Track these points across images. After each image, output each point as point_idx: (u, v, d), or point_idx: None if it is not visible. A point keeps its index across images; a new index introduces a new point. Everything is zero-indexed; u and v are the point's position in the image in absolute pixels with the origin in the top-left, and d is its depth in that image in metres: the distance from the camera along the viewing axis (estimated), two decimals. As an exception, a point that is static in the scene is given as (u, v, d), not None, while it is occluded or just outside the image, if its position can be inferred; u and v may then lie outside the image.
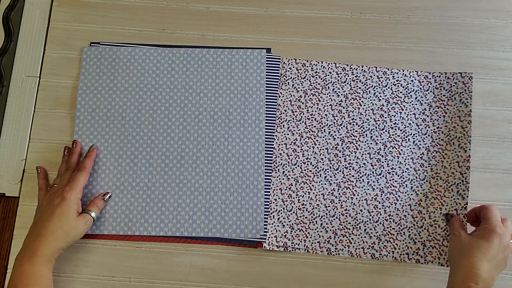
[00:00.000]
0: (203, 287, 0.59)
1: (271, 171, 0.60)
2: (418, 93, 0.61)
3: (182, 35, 0.66)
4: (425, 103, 0.61)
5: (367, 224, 0.58)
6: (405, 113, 0.60)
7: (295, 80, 0.62)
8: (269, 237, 0.58)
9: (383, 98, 0.61)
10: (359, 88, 0.61)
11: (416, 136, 0.60)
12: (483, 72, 0.65)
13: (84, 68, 0.64)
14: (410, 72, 0.62)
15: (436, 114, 0.60)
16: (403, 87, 0.61)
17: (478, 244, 0.49)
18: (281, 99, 0.61)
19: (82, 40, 0.66)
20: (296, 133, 0.60)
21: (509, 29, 0.67)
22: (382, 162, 0.60)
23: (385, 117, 0.60)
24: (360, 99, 0.61)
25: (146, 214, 0.59)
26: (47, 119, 0.64)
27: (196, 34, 0.66)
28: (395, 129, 0.60)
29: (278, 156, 0.60)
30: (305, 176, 0.59)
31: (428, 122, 0.60)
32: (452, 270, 0.51)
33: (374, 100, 0.61)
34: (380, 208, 0.58)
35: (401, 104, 0.61)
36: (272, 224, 0.58)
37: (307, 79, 0.61)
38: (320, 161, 0.60)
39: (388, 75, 0.62)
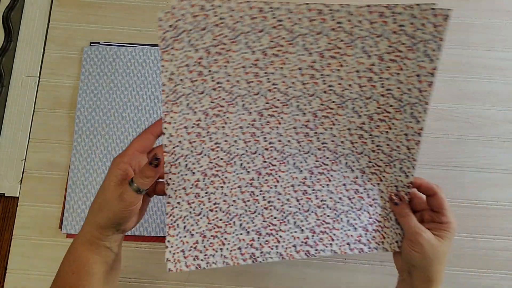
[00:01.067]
0: (203, 287, 0.59)
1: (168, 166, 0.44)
2: (367, 40, 0.42)
3: (182, 35, 0.66)
4: (374, 55, 0.43)
5: (297, 215, 0.46)
6: (344, 70, 0.44)
7: (192, 34, 0.41)
8: (174, 254, 0.43)
9: (315, 52, 0.43)
10: (283, 38, 0.43)
11: (356, 101, 0.45)
12: (483, 72, 0.65)
13: (84, 68, 0.64)
14: (358, 8, 0.41)
15: (387, 71, 0.43)
16: (346, 33, 0.42)
17: (447, 248, 0.44)
18: (174, 65, 0.41)
19: (82, 40, 0.66)
20: (199, 110, 0.43)
21: (509, 29, 0.67)
22: (311, 136, 0.46)
23: (317, 78, 0.44)
24: (283, 55, 0.43)
25: (146, 214, 0.59)
26: (47, 119, 0.64)
27: (196, 34, 0.66)
28: (330, 93, 0.45)
29: (177, 146, 0.43)
30: (215, 167, 0.45)
31: (375, 82, 0.44)
32: (418, 277, 0.44)
33: (303, 54, 0.43)
34: (310, 194, 0.47)
35: (341, 58, 0.43)
36: (177, 235, 0.43)
37: (208, 31, 0.41)
38: (233, 145, 0.45)
39: (325, 15, 0.42)
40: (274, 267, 0.59)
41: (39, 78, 0.65)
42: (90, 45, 0.66)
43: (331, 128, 0.46)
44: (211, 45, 0.42)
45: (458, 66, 0.65)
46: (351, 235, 0.47)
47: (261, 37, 0.42)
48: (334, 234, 0.46)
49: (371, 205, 0.47)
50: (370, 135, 0.46)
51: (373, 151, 0.47)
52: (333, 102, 0.45)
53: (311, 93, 0.45)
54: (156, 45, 0.65)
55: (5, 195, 0.61)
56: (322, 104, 0.45)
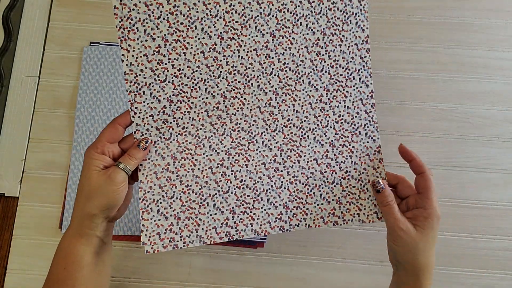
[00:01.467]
0: (203, 287, 0.59)
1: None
2: (309, 18, 0.48)
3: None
4: (318, 31, 0.48)
5: (270, 192, 0.47)
6: (295, 47, 0.48)
7: (147, 23, 0.44)
8: (150, 237, 0.45)
9: (267, 32, 0.47)
10: (236, 22, 0.46)
11: (311, 76, 0.48)
12: (483, 72, 0.65)
13: (84, 68, 0.64)
14: None
15: (331, 43, 0.48)
16: (291, 13, 0.47)
17: (430, 238, 0.43)
18: (132, 55, 0.44)
19: (82, 40, 0.66)
20: (164, 98, 0.45)
21: (509, 29, 0.67)
22: (276, 114, 0.48)
23: (272, 58, 0.47)
24: (239, 38, 0.46)
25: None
26: (46, 119, 0.64)
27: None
28: (286, 70, 0.48)
29: (145, 133, 0.45)
30: (184, 151, 0.47)
31: (323, 55, 0.48)
32: (404, 270, 0.44)
33: (256, 36, 0.47)
34: (281, 171, 0.48)
35: (290, 36, 0.47)
36: (151, 219, 0.45)
37: (164, 19, 0.44)
38: (200, 128, 0.47)
39: None
40: (274, 267, 0.59)
41: (39, 78, 0.65)
42: (90, 45, 0.65)
43: (293, 104, 0.48)
44: (168, 33, 0.44)
45: (458, 66, 0.65)
46: (325, 209, 0.48)
47: (216, 22, 0.45)
48: (307, 209, 0.48)
49: (344, 178, 0.48)
50: (330, 106, 0.49)
51: (337, 122, 0.49)
52: (290, 78, 0.48)
53: (269, 72, 0.47)
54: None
55: (5, 195, 0.61)
56: (280, 82, 0.48)
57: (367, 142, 0.49)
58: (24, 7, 0.67)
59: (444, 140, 0.63)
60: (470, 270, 0.59)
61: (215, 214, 0.47)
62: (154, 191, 0.46)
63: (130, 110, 0.44)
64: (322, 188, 0.48)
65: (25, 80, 0.65)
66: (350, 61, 0.49)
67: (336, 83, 0.49)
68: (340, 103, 0.49)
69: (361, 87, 0.49)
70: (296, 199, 0.48)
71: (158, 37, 0.44)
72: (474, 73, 0.65)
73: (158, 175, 0.46)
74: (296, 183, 0.48)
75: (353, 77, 0.49)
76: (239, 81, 0.47)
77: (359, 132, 0.49)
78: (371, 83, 0.49)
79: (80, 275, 0.41)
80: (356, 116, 0.49)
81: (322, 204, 0.48)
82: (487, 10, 0.67)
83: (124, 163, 0.42)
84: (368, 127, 0.49)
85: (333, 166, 0.49)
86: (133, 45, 0.44)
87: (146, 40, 0.44)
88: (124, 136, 0.45)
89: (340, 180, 0.48)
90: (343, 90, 0.49)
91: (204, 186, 0.47)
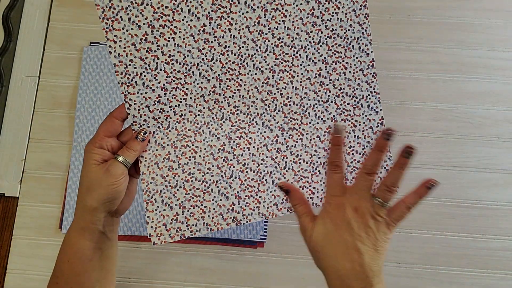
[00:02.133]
0: (202, 287, 0.59)
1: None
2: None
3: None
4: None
5: (274, 174, 0.46)
6: (289, 20, 0.45)
7: (130, 10, 0.42)
8: (156, 228, 0.44)
9: (258, 7, 0.44)
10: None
11: (308, 49, 0.46)
12: (483, 72, 0.65)
13: (83, 68, 0.64)
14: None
15: (327, 12, 0.45)
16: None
17: (323, 231, 0.42)
18: (119, 46, 0.42)
19: (82, 40, 0.66)
20: (157, 87, 0.44)
21: (509, 29, 0.67)
22: (275, 93, 0.46)
23: (266, 34, 0.45)
24: (228, 16, 0.44)
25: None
26: (46, 119, 0.64)
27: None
28: (281, 46, 0.45)
29: (143, 124, 0.44)
30: (184, 138, 0.45)
31: (319, 26, 0.45)
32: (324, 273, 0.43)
33: (247, 12, 0.44)
34: (284, 151, 0.46)
35: (282, 9, 0.45)
36: (156, 210, 0.44)
37: (147, 4, 0.42)
38: (198, 114, 0.45)
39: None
40: (274, 267, 0.59)
41: (39, 78, 0.65)
42: (90, 45, 0.65)
43: (291, 81, 0.46)
44: (154, 19, 0.42)
45: (458, 66, 0.65)
46: None
47: (202, 2, 0.43)
48: (314, 188, 0.46)
49: (348, 153, 0.47)
50: (330, 79, 0.46)
51: (338, 96, 0.47)
52: (287, 54, 0.46)
53: (264, 49, 0.45)
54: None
55: (5, 195, 0.61)
56: (276, 58, 0.46)
57: (370, 114, 0.47)
58: (24, 7, 0.67)
59: (444, 140, 0.63)
60: (470, 270, 0.59)
61: (220, 200, 0.45)
62: (157, 181, 0.45)
63: (124, 102, 0.43)
64: (327, 165, 0.46)
65: (25, 80, 0.65)
66: (349, 30, 0.46)
67: (335, 54, 0.46)
68: (340, 75, 0.47)
69: (361, 56, 0.46)
70: (301, 179, 0.46)
71: (143, 24, 0.42)
72: (474, 73, 0.65)
73: (160, 165, 0.45)
74: (300, 163, 0.46)
75: (352, 46, 0.46)
76: (233, 62, 0.45)
77: (361, 104, 0.47)
78: (371, 51, 0.46)
79: (83, 269, 0.41)
80: (357, 88, 0.47)
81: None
82: (487, 10, 0.67)
83: (123, 155, 0.42)
84: (370, 98, 0.47)
85: None
86: (119, 35, 0.42)
87: (132, 29, 0.42)
88: (123, 129, 0.45)
89: (345, 155, 0.46)
90: (343, 61, 0.46)
91: (207, 173, 0.46)
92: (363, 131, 0.47)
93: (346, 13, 0.46)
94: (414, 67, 0.65)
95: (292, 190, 0.44)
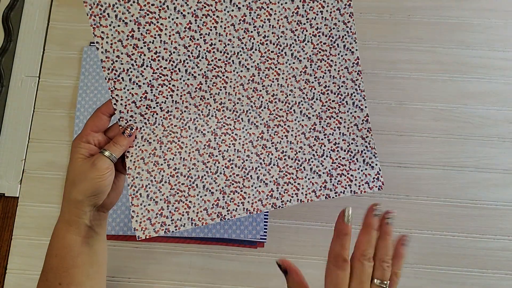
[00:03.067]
0: (202, 287, 0.59)
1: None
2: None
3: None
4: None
5: (259, 170, 0.46)
6: (274, 18, 0.46)
7: (117, 8, 0.43)
8: (140, 223, 0.44)
9: (243, 5, 0.45)
10: None
11: (293, 47, 0.46)
12: (483, 72, 0.65)
13: (83, 68, 0.64)
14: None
15: (312, 11, 0.46)
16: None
17: None
18: (106, 42, 0.43)
19: (82, 40, 0.66)
20: (144, 83, 0.44)
21: (509, 29, 0.67)
22: (260, 90, 0.47)
23: (251, 32, 0.46)
24: (214, 14, 0.45)
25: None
26: (46, 119, 0.64)
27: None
28: (267, 43, 0.46)
29: (130, 120, 0.45)
30: (170, 134, 0.46)
31: (304, 24, 0.46)
32: None
33: (233, 10, 0.45)
34: (269, 147, 0.47)
35: (267, 8, 0.46)
36: (141, 204, 0.44)
37: (134, 2, 0.43)
38: (184, 111, 0.46)
39: None
40: (274, 267, 0.59)
41: (39, 78, 0.65)
42: (90, 45, 0.65)
43: (277, 79, 0.47)
44: (140, 16, 0.43)
45: (458, 66, 0.65)
46: (316, 182, 0.47)
47: (188, 0, 0.44)
48: (298, 184, 0.47)
49: (333, 150, 0.47)
50: (315, 77, 0.47)
51: (323, 93, 0.47)
52: (272, 52, 0.46)
53: (250, 47, 0.46)
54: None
55: (5, 195, 0.61)
56: (262, 56, 0.46)
57: (355, 111, 0.47)
58: (24, 7, 0.67)
59: (444, 140, 0.63)
60: (470, 270, 0.59)
61: (205, 195, 0.46)
62: (142, 176, 0.45)
63: (111, 97, 0.44)
64: (312, 161, 0.47)
65: (25, 80, 0.65)
66: (333, 28, 0.47)
67: (320, 52, 0.47)
68: (325, 73, 0.47)
69: (346, 54, 0.47)
70: (286, 175, 0.47)
71: (130, 21, 0.43)
72: (474, 73, 0.65)
73: (146, 161, 0.45)
74: (285, 159, 0.47)
75: (337, 44, 0.47)
76: (219, 59, 0.46)
77: (346, 102, 0.47)
78: (356, 49, 0.47)
79: (71, 264, 0.41)
80: (342, 86, 0.47)
81: (313, 178, 0.47)
82: (487, 10, 0.67)
83: (109, 150, 0.42)
84: (355, 96, 0.47)
85: (322, 139, 0.47)
86: (106, 32, 0.43)
87: (118, 25, 0.43)
88: (110, 125, 0.45)
89: (329, 152, 0.47)
90: (328, 59, 0.47)
91: (192, 168, 0.46)
92: (348, 128, 0.47)
93: (330, 12, 0.46)
94: (414, 67, 0.65)
95: (290, 272, 0.41)
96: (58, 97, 0.64)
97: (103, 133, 0.44)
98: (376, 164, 0.47)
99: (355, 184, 0.47)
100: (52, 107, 0.64)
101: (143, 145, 0.45)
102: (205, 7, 0.44)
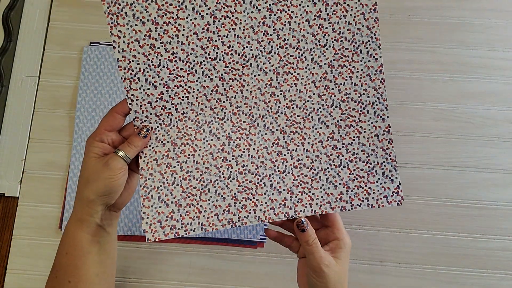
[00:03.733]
0: (203, 287, 0.59)
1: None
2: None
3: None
4: (320, 1, 0.44)
5: (273, 177, 0.45)
6: (295, 21, 0.44)
7: (135, 7, 0.42)
8: (151, 225, 0.43)
9: (263, 7, 0.44)
10: None
11: (314, 51, 0.45)
12: (483, 72, 0.65)
13: (84, 68, 0.64)
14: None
15: (335, 15, 0.44)
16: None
17: (346, 266, 0.44)
18: (123, 41, 0.42)
19: (82, 40, 0.66)
20: (160, 84, 0.44)
21: (509, 29, 0.67)
22: (278, 95, 0.45)
23: (271, 35, 0.44)
24: (233, 16, 0.44)
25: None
26: (46, 119, 0.64)
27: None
28: (286, 47, 0.45)
29: (145, 120, 0.44)
30: (184, 136, 0.45)
31: (326, 28, 0.44)
32: None
33: (252, 12, 0.44)
34: (285, 154, 0.45)
35: (288, 10, 0.44)
36: (152, 206, 0.44)
37: (152, 1, 0.42)
38: (200, 113, 0.45)
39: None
40: (274, 267, 0.59)
41: (39, 78, 0.65)
42: (90, 45, 0.65)
43: (295, 84, 0.45)
44: (158, 16, 0.43)
45: (458, 66, 0.65)
46: (331, 194, 0.45)
47: (207, 0, 0.43)
48: (313, 194, 0.45)
49: (351, 161, 0.45)
50: (336, 83, 0.45)
51: (343, 100, 0.45)
52: (291, 56, 0.45)
53: (268, 50, 0.45)
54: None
55: (5, 195, 0.61)
56: (281, 60, 0.45)
57: (376, 121, 0.45)
58: (24, 7, 0.67)
59: (444, 140, 0.63)
60: (470, 270, 0.59)
61: (217, 200, 0.45)
62: (155, 178, 0.44)
63: (127, 97, 0.43)
64: (328, 171, 0.45)
65: (25, 80, 0.65)
66: (357, 34, 0.44)
67: (341, 57, 0.45)
68: (346, 80, 0.45)
69: (369, 61, 0.45)
70: (301, 184, 0.45)
71: (148, 20, 0.42)
72: (474, 73, 0.65)
73: (159, 162, 0.44)
74: (300, 167, 0.45)
75: (360, 50, 0.44)
76: (237, 62, 0.44)
77: (367, 111, 0.45)
78: (380, 56, 0.44)
79: (81, 262, 0.41)
80: (363, 94, 0.45)
81: (328, 188, 0.45)
82: (487, 10, 0.67)
83: (123, 150, 0.42)
84: (376, 105, 0.45)
85: (340, 148, 0.45)
86: (123, 31, 0.42)
87: (136, 25, 0.42)
88: (125, 124, 0.45)
89: (347, 163, 0.45)
90: (349, 65, 0.45)
91: (205, 172, 0.45)
92: (368, 138, 0.45)
93: (354, 16, 0.44)
94: (414, 67, 0.65)
95: (309, 228, 0.43)
96: (58, 97, 0.64)
97: (118, 132, 0.44)
98: (396, 178, 0.45)
99: (373, 198, 0.45)
100: (52, 107, 0.64)
101: (157, 146, 0.45)
102: (224, 8, 0.43)
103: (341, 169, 0.45)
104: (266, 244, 0.60)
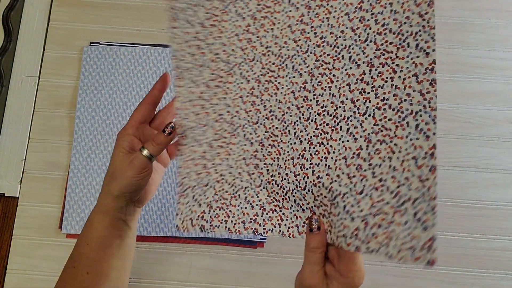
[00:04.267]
0: (203, 287, 0.59)
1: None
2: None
3: (182, 35, 0.66)
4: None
5: (295, 192, 0.41)
6: (334, 16, 0.40)
7: (188, 11, 0.44)
8: (183, 221, 0.44)
9: (302, 5, 0.41)
10: None
11: (352, 48, 0.38)
12: (483, 72, 0.65)
13: (84, 68, 0.64)
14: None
15: (378, 4, 0.37)
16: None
17: None
18: (176, 42, 0.44)
19: (82, 40, 0.66)
20: (201, 83, 0.44)
21: (510, 29, 0.67)
22: (311, 100, 0.41)
23: (308, 33, 0.41)
24: (272, 16, 0.43)
25: (146, 214, 0.59)
26: (46, 119, 0.64)
27: (196, 34, 0.66)
28: (323, 45, 0.40)
29: (185, 118, 0.44)
30: (220, 139, 0.44)
31: (368, 21, 0.37)
32: None
33: (290, 11, 0.42)
34: (307, 169, 0.40)
35: (327, 5, 0.40)
36: (187, 204, 0.44)
37: (200, 5, 0.44)
38: (235, 116, 0.44)
39: None
40: (274, 267, 0.59)
41: (39, 78, 0.65)
42: (90, 45, 0.65)
43: (329, 87, 0.40)
44: (205, 19, 0.44)
45: (458, 66, 0.65)
46: (347, 226, 0.37)
47: (248, 2, 0.44)
48: (331, 220, 0.41)
49: (376, 189, 0.35)
50: (373, 86, 0.37)
51: (378, 108, 0.36)
52: (328, 55, 0.40)
53: (305, 49, 0.42)
54: (156, 45, 0.65)
55: (5, 195, 0.61)
56: (317, 60, 0.41)
57: (417, 138, 0.33)
58: (24, 7, 0.67)
59: (444, 140, 0.63)
60: (470, 270, 0.59)
61: (245, 207, 0.43)
62: (191, 177, 0.44)
63: (176, 92, 0.44)
64: (348, 197, 0.36)
65: (25, 80, 0.65)
66: (405, 23, 0.35)
67: (384, 53, 0.36)
68: (386, 81, 0.36)
69: (417, 56, 0.34)
70: (321, 206, 0.39)
71: (196, 23, 0.44)
72: (474, 73, 0.65)
73: (195, 162, 0.44)
74: (319, 186, 0.39)
75: (408, 43, 0.35)
76: (273, 63, 0.43)
77: (407, 123, 0.34)
78: (433, 50, 0.34)
79: (101, 254, 0.41)
80: (405, 100, 0.35)
81: (345, 219, 0.37)
82: (487, 10, 0.67)
83: (147, 148, 0.42)
84: (421, 116, 0.33)
85: (365, 170, 0.36)
86: (177, 32, 0.45)
87: (186, 28, 0.44)
88: (155, 114, 0.46)
89: (371, 191, 0.35)
90: (392, 63, 0.36)
91: (237, 177, 0.44)
92: (402, 161, 0.34)
93: (403, 3, 0.35)
94: (414, 67, 0.65)
95: (321, 230, 0.38)
96: (58, 97, 0.64)
97: (148, 125, 0.45)
98: (433, 225, 0.32)
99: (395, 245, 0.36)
100: (52, 107, 0.64)
101: (194, 146, 0.44)
102: (264, 9, 0.43)
103: (362, 198, 0.36)
104: (266, 244, 0.60)
